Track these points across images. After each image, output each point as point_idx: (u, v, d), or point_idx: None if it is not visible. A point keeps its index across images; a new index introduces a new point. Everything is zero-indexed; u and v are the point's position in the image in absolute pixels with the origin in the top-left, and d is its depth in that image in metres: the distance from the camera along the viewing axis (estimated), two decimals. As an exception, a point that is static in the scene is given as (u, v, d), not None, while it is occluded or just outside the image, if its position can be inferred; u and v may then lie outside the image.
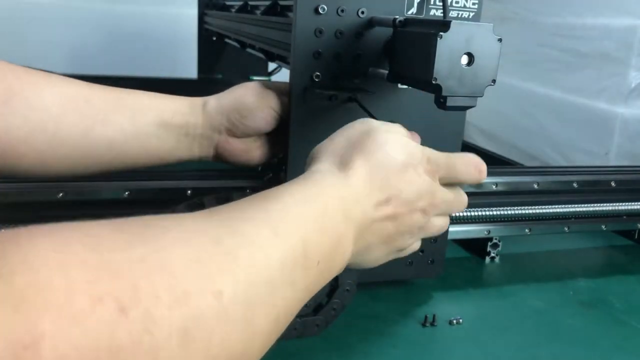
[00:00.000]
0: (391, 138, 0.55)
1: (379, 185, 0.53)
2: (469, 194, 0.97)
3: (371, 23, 0.72)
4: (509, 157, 1.52)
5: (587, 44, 1.67)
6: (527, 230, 1.01)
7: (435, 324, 0.80)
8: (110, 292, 0.31)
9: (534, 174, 1.02)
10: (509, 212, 0.98)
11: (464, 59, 0.59)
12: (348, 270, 0.73)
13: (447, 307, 0.86)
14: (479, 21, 0.75)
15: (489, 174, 0.98)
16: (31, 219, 0.75)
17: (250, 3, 1.36)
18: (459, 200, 0.61)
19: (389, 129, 0.57)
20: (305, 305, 0.73)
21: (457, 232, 0.97)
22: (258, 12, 1.26)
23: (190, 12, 1.94)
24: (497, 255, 1.03)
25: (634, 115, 1.53)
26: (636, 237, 1.17)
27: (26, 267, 0.29)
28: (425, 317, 0.80)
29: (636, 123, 1.52)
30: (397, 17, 0.67)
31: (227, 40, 1.65)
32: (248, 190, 0.83)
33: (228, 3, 1.76)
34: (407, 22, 0.66)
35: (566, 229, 1.04)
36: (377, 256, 0.57)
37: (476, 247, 1.05)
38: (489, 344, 0.77)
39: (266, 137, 0.79)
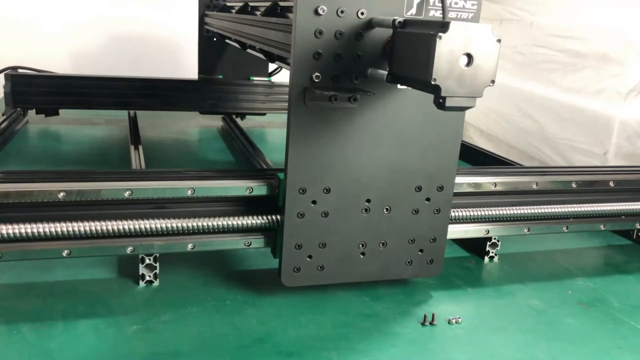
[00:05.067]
0: None
1: None
2: (468, 194, 0.98)
3: (371, 24, 0.73)
4: (507, 158, 1.52)
5: (586, 45, 1.67)
6: (525, 229, 1.02)
7: (435, 323, 0.81)
8: None
9: (533, 174, 1.03)
10: (508, 211, 0.99)
11: (463, 60, 0.59)
12: None
13: (446, 306, 0.86)
14: (477, 22, 0.76)
15: (489, 174, 1.00)
16: (33, 219, 0.76)
17: (251, 4, 1.36)
18: None
19: None
20: None
21: (456, 231, 0.97)
22: (258, 13, 1.27)
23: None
24: (496, 254, 1.04)
25: (632, 116, 1.53)
26: (634, 236, 1.18)
27: None
28: (425, 316, 0.81)
29: (634, 123, 1.53)
30: (397, 18, 0.67)
31: (227, 41, 1.66)
32: (248, 191, 0.83)
33: (228, 4, 1.76)
34: (407, 23, 0.67)
35: (565, 228, 1.04)
36: None
37: (475, 246, 1.06)
38: (487, 343, 0.77)
39: None
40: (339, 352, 0.73)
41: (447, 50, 0.58)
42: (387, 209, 0.83)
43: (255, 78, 1.94)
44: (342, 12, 0.71)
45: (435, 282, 0.93)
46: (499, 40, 0.60)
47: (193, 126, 2.04)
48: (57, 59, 2.34)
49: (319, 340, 0.75)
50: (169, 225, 0.80)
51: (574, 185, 1.03)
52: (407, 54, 0.66)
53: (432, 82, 0.58)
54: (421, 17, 0.75)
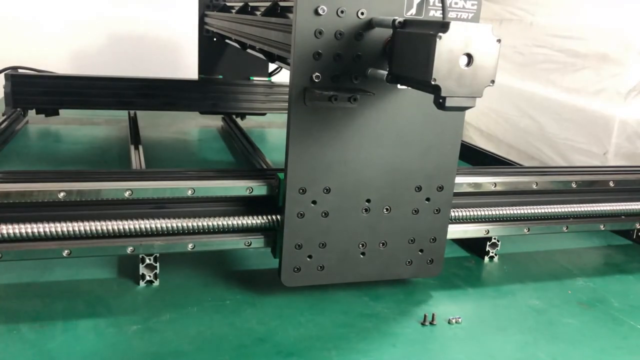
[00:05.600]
0: None
1: None
2: (467, 194, 0.98)
3: (371, 24, 0.73)
4: (507, 158, 1.52)
5: (586, 45, 1.67)
6: (525, 229, 1.02)
7: (435, 323, 0.81)
8: None
9: (533, 174, 1.03)
10: (508, 211, 0.99)
11: (463, 60, 0.59)
12: None
13: (446, 306, 0.86)
14: (477, 22, 0.76)
15: (489, 174, 1.00)
16: (33, 219, 0.76)
17: (251, 4, 1.36)
18: None
19: None
20: None
21: (456, 231, 0.97)
22: (258, 13, 1.27)
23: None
24: (496, 254, 1.04)
25: (632, 116, 1.54)
26: (634, 236, 1.18)
27: None
28: (425, 316, 0.81)
29: (634, 123, 1.53)
30: (397, 18, 0.67)
31: (227, 41, 1.66)
32: (248, 191, 0.83)
33: (228, 4, 1.76)
34: (407, 23, 0.67)
35: (565, 228, 1.04)
36: None
37: (475, 246, 1.06)
38: (487, 343, 0.77)
39: None
40: (339, 352, 0.73)
41: (447, 50, 0.58)
42: (387, 209, 0.83)
43: (255, 78, 1.94)
44: (342, 12, 0.71)
45: (435, 282, 0.93)
46: (499, 40, 0.60)
47: (193, 126, 2.04)
48: (57, 59, 2.34)
49: (319, 340, 0.75)
50: (169, 225, 0.80)
51: (573, 185, 1.03)
52: (407, 54, 0.66)
53: (432, 82, 0.58)
54: (421, 17, 0.75)
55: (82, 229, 0.77)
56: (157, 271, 0.86)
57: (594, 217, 1.06)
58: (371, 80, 0.75)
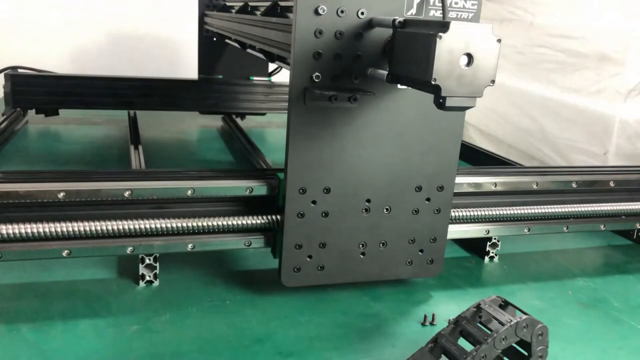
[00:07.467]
0: None
1: None
2: (468, 194, 0.98)
3: (371, 24, 0.72)
4: (508, 158, 1.52)
5: (586, 45, 1.67)
6: (526, 230, 1.02)
7: (435, 323, 0.80)
8: None
9: (533, 174, 1.03)
10: (508, 211, 0.99)
11: (463, 60, 0.59)
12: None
13: (446, 306, 0.86)
14: (478, 22, 0.76)
15: (489, 174, 1.00)
16: (33, 219, 0.76)
17: (251, 4, 1.36)
18: None
19: None
20: None
21: (456, 231, 0.97)
22: (258, 12, 1.27)
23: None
24: (496, 254, 1.04)
25: (632, 116, 1.53)
26: (635, 236, 1.18)
27: None
28: (425, 316, 0.81)
29: (635, 123, 1.53)
30: (397, 17, 0.67)
31: (227, 40, 1.65)
32: (248, 191, 0.83)
33: (228, 4, 1.76)
34: (407, 22, 0.67)
35: (565, 228, 1.04)
36: None
37: (475, 246, 1.06)
38: (488, 343, 0.77)
39: None
40: (339, 352, 0.73)
41: (447, 50, 0.58)
42: (387, 209, 0.83)
43: (255, 78, 1.93)
44: (342, 11, 0.71)
45: (435, 282, 0.93)
46: (499, 40, 0.60)
47: (193, 126, 2.04)
48: (57, 59, 2.34)
49: (319, 340, 0.75)
50: (169, 225, 0.80)
51: (574, 185, 1.03)
52: (407, 53, 0.65)
53: (432, 82, 0.58)
54: (421, 17, 0.75)
55: (81, 229, 0.77)
56: (157, 271, 0.85)
57: (594, 217, 1.06)
58: (371, 80, 0.75)
